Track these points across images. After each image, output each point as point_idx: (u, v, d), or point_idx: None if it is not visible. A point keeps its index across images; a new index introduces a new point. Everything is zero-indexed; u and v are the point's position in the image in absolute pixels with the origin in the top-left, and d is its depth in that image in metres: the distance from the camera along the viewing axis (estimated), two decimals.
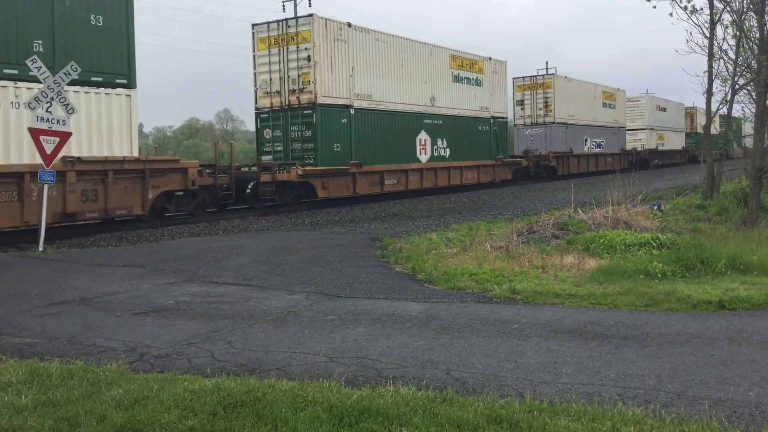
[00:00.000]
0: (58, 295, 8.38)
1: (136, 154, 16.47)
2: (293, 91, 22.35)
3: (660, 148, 54.51)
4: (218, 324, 6.80)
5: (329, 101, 22.42)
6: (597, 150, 43.83)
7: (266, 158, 22.71)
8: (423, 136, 27.26)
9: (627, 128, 49.86)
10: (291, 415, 4.16)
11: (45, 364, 5.36)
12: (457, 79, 29.63)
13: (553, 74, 38.99)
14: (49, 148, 12.95)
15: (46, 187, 13.09)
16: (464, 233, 14.09)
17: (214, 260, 11.00)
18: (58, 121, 13.11)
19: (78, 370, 5.18)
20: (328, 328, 6.53)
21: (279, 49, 22.52)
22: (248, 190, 20.47)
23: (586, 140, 42.29)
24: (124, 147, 16.08)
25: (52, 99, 13.00)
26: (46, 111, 12.97)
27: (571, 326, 6.42)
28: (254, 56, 23.36)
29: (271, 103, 22.97)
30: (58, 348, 6.06)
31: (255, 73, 23.38)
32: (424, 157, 27.30)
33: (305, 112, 22.21)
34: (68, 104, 13.25)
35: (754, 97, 19.27)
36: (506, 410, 4.20)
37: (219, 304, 7.78)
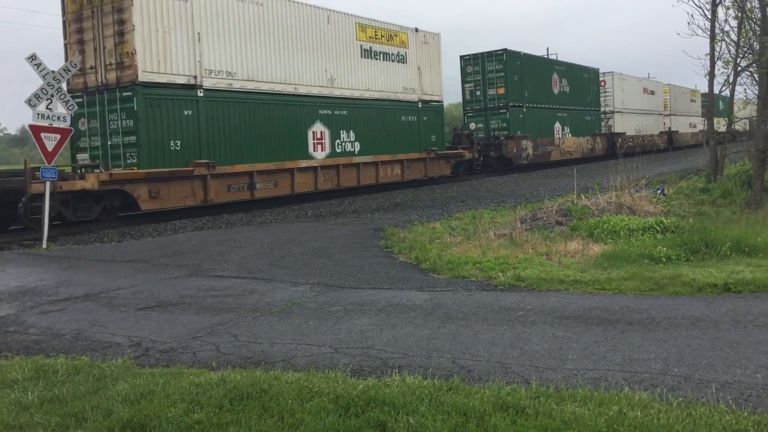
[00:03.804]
0: (63, 292, 8.39)
1: None
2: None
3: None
4: (223, 317, 6.80)
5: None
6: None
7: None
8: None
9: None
10: (297, 407, 4.16)
11: (50, 361, 5.37)
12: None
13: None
14: (50, 145, 12.95)
15: (48, 183, 13.10)
16: (467, 222, 14.06)
17: (218, 254, 11.01)
18: (58, 118, 13.11)
19: (84, 366, 5.19)
20: (333, 319, 6.53)
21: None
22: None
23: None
24: None
25: (52, 96, 12.99)
26: (47, 108, 12.95)
27: (576, 312, 6.40)
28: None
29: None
30: (64, 344, 6.07)
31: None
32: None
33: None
34: (68, 101, 13.23)
35: (757, 79, 19.15)
36: (512, 397, 4.19)
37: (223, 297, 7.78)
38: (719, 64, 19.87)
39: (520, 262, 8.94)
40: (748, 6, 18.19)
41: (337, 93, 22.65)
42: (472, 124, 34.15)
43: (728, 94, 21.15)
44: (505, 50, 33.47)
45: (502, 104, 33.72)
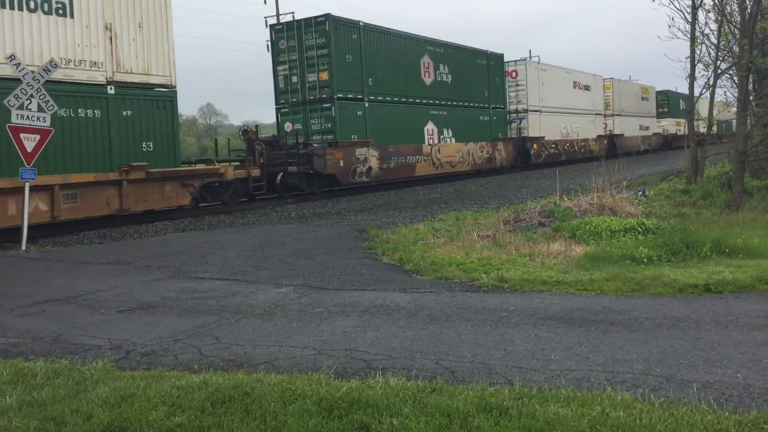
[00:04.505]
0: (42, 294, 8.28)
1: None
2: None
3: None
4: (205, 319, 6.75)
5: None
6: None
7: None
8: None
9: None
10: (280, 409, 4.13)
11: (29, 364, 5.29)
12: None
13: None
14: (29, 146, 12.80)
15: (27, 184, 12.94)
16: (451, 223, 14.08)
17: (200, 255, 10.93)
18: (38, 118, 12.95)
19: (63, 369, 5.12)
20: (316, 321, 6.50)
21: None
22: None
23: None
24: None
25: (31, 96, 12.83)
26: (26, 108, 12.80)
27: (559, 313, 6.43)
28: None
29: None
30: (43, 347, 5.99)
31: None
32: None
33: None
34: (48, 101, 13.08)
35: (737, 82, 19.36)
36: (496, 398, 4.19)
37: (205, 299, 7.72)
38: (700, 66, 20.08)
39: (504, 263, 8.97)
40: (728, 10, 18.40)
41: None
42: (288, 124, 24.26)
43: (690, 92, 21.29)
44: (327, 16, 23.25)
45: (326, 96, 23.37)
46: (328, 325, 6.34)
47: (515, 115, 37.09)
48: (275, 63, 24.46)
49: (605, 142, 46.52)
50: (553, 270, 8.48)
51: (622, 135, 49.58)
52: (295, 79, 23.95)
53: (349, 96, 24.10)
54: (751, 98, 19.38)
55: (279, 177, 21.96)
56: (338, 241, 12.07)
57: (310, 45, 23.52)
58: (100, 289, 8.49)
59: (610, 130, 48.50)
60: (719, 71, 19.97)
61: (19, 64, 12.72)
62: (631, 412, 3.92)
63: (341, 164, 23.25)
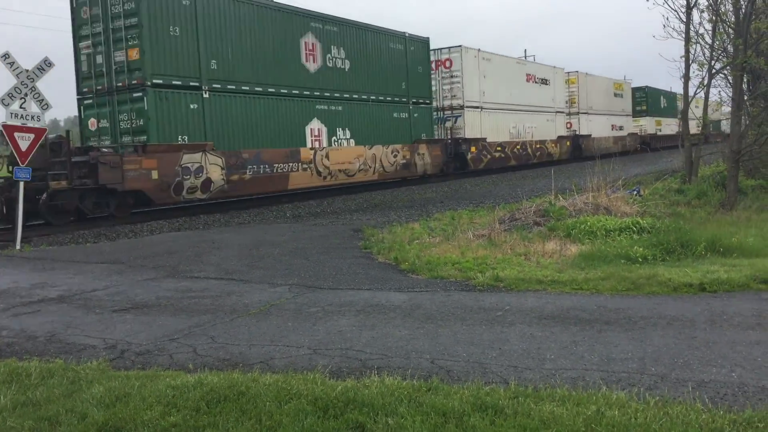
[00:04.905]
0: (37, 294, 8.26)
1: None
2: None
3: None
4: (200, 319, 6.74)
5: None
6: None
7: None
8: None
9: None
10: (275, 409, 4.13)
11: (24, 364, 5.28)
12: None
13: None
14: (24, 145, 12.76)
15: (21, 184, 12.90)
16: (446, 222, 14.09)
17: (195, 255, 10.91)
18: (32, 118, 12.92)
19: (58, 369, 5.10)
20: (312, 321, 6.49)
21: None
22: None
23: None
24: None
25: (26, 95, 12.79)
26: (20, 107, 12.76)
27: (554, 312, 6.43)
28: None
29: None
30: (37, 347, 5.97)
31: None
32: None
33: None
34: (42, 100, 13.05)
35: (731, 81, 19.42)
36: (491, 397, 4.19)
37: (200, 298, 7.70)
38: (694, 66, 20.14)
39: (499, 263, 8.97)
40: (722, 9, 18.46)
41: None
42: (92, 120, 18.21)
43: (684, 91, 21.33)
44: None
45: (137, 82, 17.25)
46: (324, 324, 6.34)
47: (450, 112, 30.61)
48: (76, 38, 18.29)
49: (568, 143, 40.98)
50: (549, 269, 8.49)
51: (590, 136, 44.21)
52: (100, 59, 17.76)
53: (175, 83, 17.69)
54: (745, 98, 19.44)
55: (44, 196, 15.50)
56: (334, 241, 12.06)
57: (117, 12, 17.29)
58: (95, 289, 8.47)
59: (575, 130, 42.80)
60: (714, 71, 20.01)
61: (13, 63, 12.68)
62: (626, 411, 3.92)
63: (154, 176, 16.91)
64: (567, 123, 42.00)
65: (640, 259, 8.64)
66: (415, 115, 27.35)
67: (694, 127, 24.45)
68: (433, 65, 30.02)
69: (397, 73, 26.26)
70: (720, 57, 19.79)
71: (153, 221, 16.95)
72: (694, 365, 4.80)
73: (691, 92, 20.71)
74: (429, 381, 4.59)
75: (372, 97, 24.98)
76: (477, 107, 31.69)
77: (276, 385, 4.52)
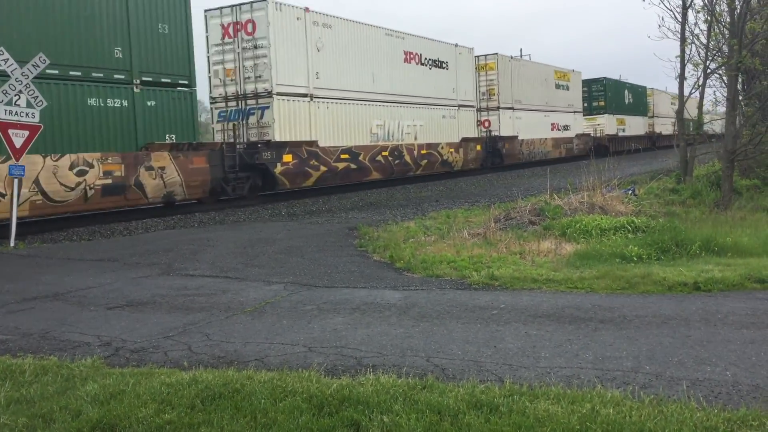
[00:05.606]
0: (31, 291, 8.23)
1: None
2: None
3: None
4: (195, 316, 6.73)
5: None
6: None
7: None
8: None
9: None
10: (270, 406, 4.12)
11: (18, 361, 5.25)
12: None
13: None
14: (18, 142, 12.70)
15: (16, 181, 12.85)
16: (442, 221, 14.09)
17: (190, 252, 10.89)
18: (27, 114, 12.86)
19: (52, 366, 5.09)
20: (307, 318, 6.49)
21: None
22: None
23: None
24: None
25: (20, 92, 12.74)
26: (15, 104, 12.71)
27: (549, 310, 6.44)
28: None
29: None
30: (31, 344, 5.95)
31: None
32: None
33: None
34: (37, 97, 12.99)
35: (726, 82, 19.47)
36: (486, 395, 4.19)
37: (195, 296, 7.69)
38: (689, 66, 20.19)
39: (494, 261, 8.98)
40: (718, 10, 18.51)
41: None
42: None
43: (679, 92, 21.39)
44: None
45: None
46: (319, 322, 6.33)
47: (254, 102, 20.46)
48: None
49: (478, 148, 31.54)
50: (544, 268, 8.50)
51: (514, 138, 34.86)
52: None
53: None
54: (740, 98, 19.50)
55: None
56: (329, 239, 12.05)
57: None
58: (90, 286, 8.45)
59: (489, 131, 33.65)
60: (709, 71, 20.08)
61: (8, 59, 12.62)
62: (620, 409, 3.93)
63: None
64: (484, 120, 33.71)
65: (635, 258, 8.66)
66: (159, 102, 17.07)
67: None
68: (231, 29, 20.42)
69: (108, 31, 15.88)
70: (715, 57, 19.86)
71: (148, 219, 16.91)
72: (688, 364, 4.81)
73: (686, 93, 20.78)
74: (424, 379, 4.59)
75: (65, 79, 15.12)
76: (305, 95, 21.51)
77: (271, 382, 4.51)
